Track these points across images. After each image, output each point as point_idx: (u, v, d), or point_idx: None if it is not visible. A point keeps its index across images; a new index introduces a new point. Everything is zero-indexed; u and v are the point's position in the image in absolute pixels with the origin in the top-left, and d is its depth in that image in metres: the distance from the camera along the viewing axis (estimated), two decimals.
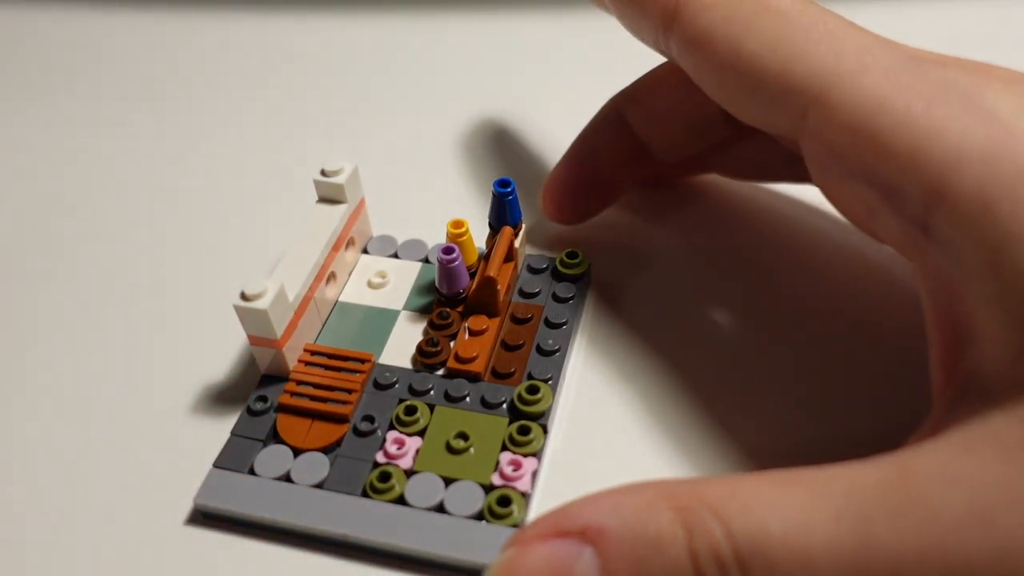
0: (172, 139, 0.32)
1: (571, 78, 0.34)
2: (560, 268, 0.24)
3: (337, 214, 0.23)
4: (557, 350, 0.22)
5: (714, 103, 0.20)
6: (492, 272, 0.22)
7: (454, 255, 0.22)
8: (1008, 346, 0.15)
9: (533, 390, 0.21)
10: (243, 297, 0.20)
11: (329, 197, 0.24)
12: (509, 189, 0.23)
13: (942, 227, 0.15)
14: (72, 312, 0.25)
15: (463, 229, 0.23)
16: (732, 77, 0.19)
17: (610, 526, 0.15)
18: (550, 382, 0.21)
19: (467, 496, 0.19)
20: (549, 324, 0.23)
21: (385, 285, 0.24)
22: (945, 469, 0.14)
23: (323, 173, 0.23)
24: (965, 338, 0.16)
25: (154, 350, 0.24)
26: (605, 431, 0.21)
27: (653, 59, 0.22)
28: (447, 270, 0.22)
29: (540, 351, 0.22)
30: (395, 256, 0.25)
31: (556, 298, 0.24)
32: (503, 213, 0.23)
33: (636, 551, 0.15)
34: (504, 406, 0.21)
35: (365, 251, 0.25)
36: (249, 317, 0.20)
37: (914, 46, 0.19)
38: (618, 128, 0.24)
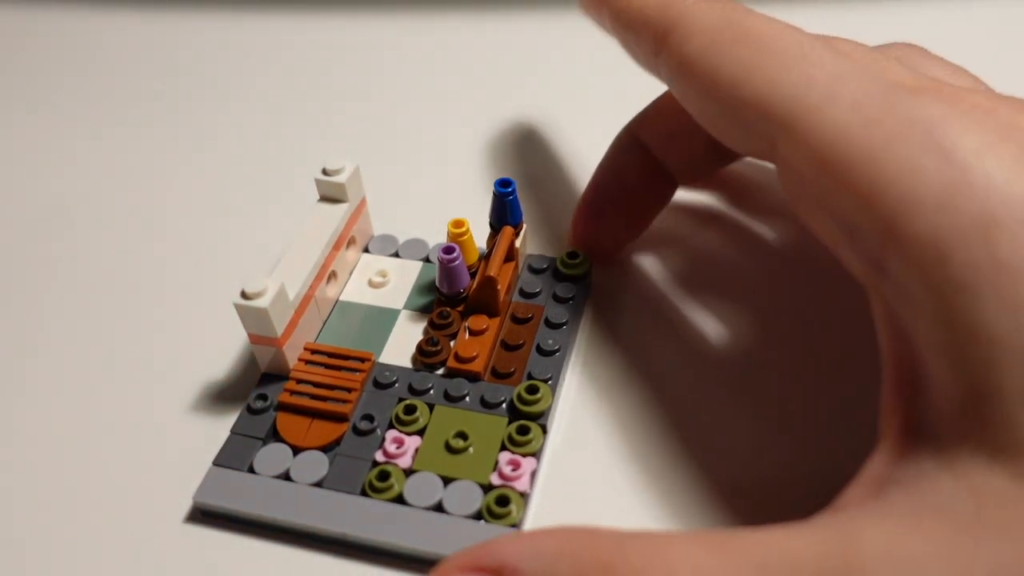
0: (173, 138, 0.33)
1: (575, 78, 0.35)
2: (561, 268, 0.24)
3: (338, 213, 0.23)
4: (557, 350, 0.22)
5: None
6: (492, 272, 0.22)
7: (454, 255, 0.22)
8: (956, 400, 0.14)
9: (533, 390, 0.21)
10: (243, 295, 0.20)
11: (330, 196, 0.24)
12: (510, 189, 0.23)
13: (895, 268, 0.15)
14: (73, 310, 0.25)
15: (464, 228, 0.23)
16: (711, 104, 0.19)
17: (525, 570, 0.15)
18: (550, 382, 0.21)
19: (466, 496, 0.19)
20: (549, 324, 0.23)
21: (386, 284, 0.24)
22: (892, 545, 0.13)
23: (324, 172, 0.24)
24: (916, 381, 0.15)
25: (155, 348, 0.24)
26: (604, 432, 0.21)
27: None
28: (447, 269, 0.22)
29: (540, 351, 0.22)
30: (396, 255, 0.25)
31: (556, 298, 0.24)
32: (504, 213, 0.23)
33: None
34: (503, 406, 0.21)
35: (366, 250, 0.25)
36: (249, 315, 0.20)
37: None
38: (637, 152, 0.24)
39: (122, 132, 0.33)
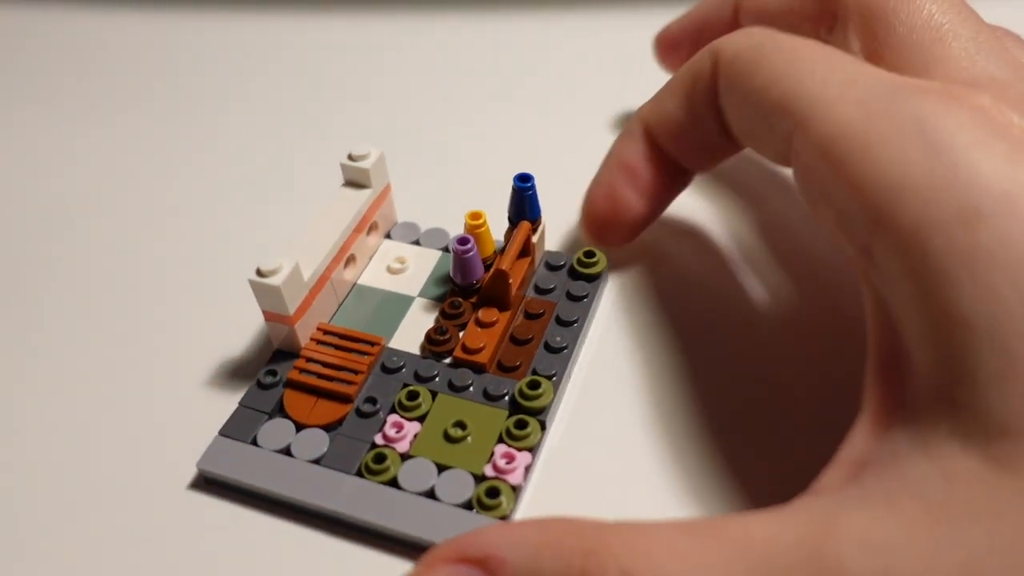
0: (204, 125, 0.33)
1: (604, 76, 0.34)
2: (577, 267, 0.24)
3: (361, 198, 0.24)
4: (564, 347, 0.22)
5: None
6: (505, 265, 0.22)
7: (469, 246, 0.22)
8: (933, 383, 0.15)
9: (534, 385, 0.21)
10: (258, 273, 0.21)
11: (354, 181, 0.24)
12: (529, 184, 0.23)
13: (881, 255, 0.16)
14: (98, 287, 0.26)
15: (481, 220, 0.23)
16: (747, 110, 0.20)
17: (510, 559, 0.15)
18: (553, 379, 0.22)
19: (458, 484, 0.20)
20: (560, 321, 0.23)
21: (404, 271, 0.25)
22: (867, 531, 0.14)
23: (350, 157, 0.24)
24: (897, 364, 0.16)
25: (175, 323, 0.25)
26: (606, 432, 0.21)
27: None
28: (461, 260, 0.23)
29: (547, 348, 0.22)
30: (417, 243, 0.26)
31: (570, 296, 0.24)
32: (522, 207, 0.23)
33: None
34: (506, 399, 0.21)
35: (389, 236, 0.26)
36: (263, 293, 0.21)
37: None
38: (647, 143, 0.24)
39: (154, 117, 0.34)
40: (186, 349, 0.24)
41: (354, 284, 0.24)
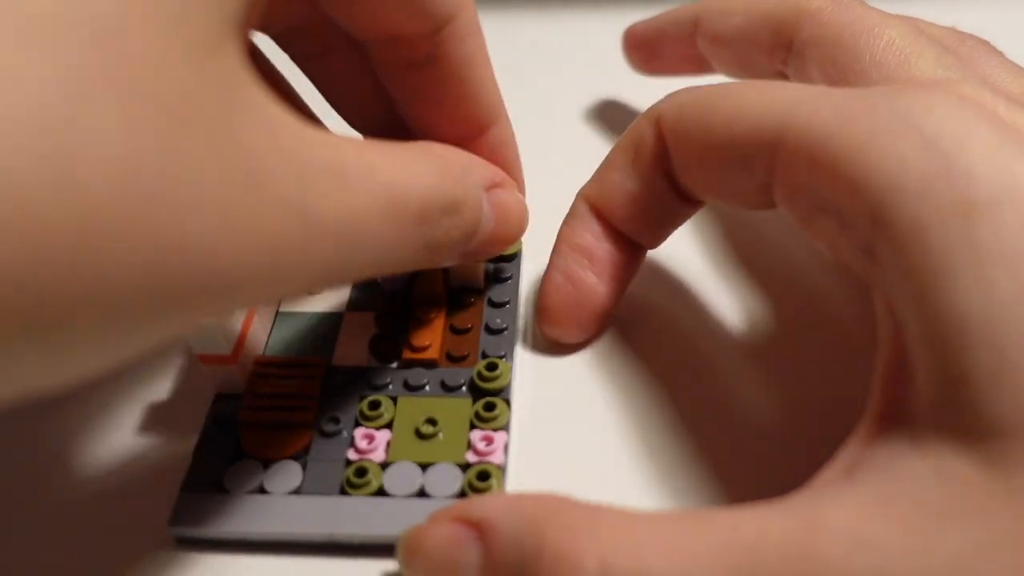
0: None
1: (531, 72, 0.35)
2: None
3: None
4: (505, 328, 0.23)
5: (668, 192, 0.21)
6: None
7: None
8: (932, 385, 0.15)
9: (492, 367, 0.21)
10: None
11: None
12: None
13: (883, 254, 0.16)
14: None
15: None
16: (711, 160, 0.19)
17: (500, 528, 0.16)
18: (504, 359, 0.22)
19: (446, 477, 0.20)
20: (493, 304, 0.23)
21: (318, 293, 0.24)
22: (856, 528, 0.14)
23: None
24: (901, 366, 0.16)
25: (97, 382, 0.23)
26: (563, 400, 0.22)
27: None
28: None
29: (489, 330, 0.23)
30: None
31: (497, 279, 0.24)
32: None
33: (514, 557, 0.15)
34: (464, 387, 0.22)
35: None
36: (198, 336, 0.20)
37: None
38: (598, 225, 0.23)
39: None
40: (116, 405, 0.22)
41: (276, 313, 0.24)
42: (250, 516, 0.19)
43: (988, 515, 0.13)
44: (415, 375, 0.22)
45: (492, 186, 0.21)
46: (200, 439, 0.21)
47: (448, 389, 0.22)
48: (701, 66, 0.27)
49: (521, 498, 0.17)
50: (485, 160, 0.21)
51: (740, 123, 0.18)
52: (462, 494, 0.19)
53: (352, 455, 0.20)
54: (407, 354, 0.22)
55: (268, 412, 0.21)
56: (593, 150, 0.25)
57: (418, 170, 0.17)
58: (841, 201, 0.16)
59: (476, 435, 0.20)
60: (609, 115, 0.32)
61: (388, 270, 0.19)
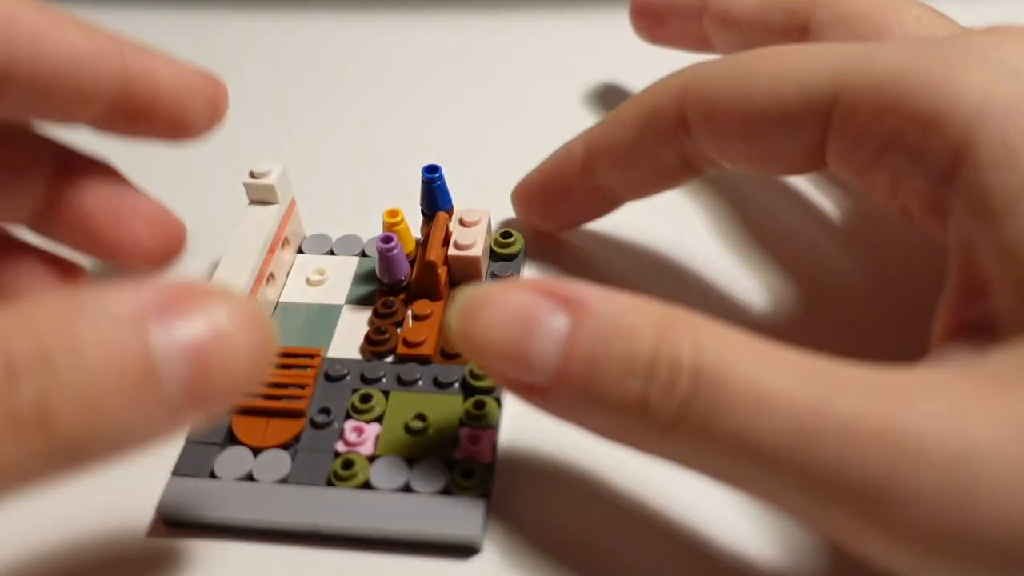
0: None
1: (489, 70, 0.35)
2: (495, 248, 0.25)
3: (270, 215, 0.24)
4: None
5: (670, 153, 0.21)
6: (431, 256, 0.23)
7: (392, 243, 0.23)
8: (1017, 289, 0.15)
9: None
10: (252, 175, 0.21)
11: (260, 199, 0.24)
12: (437, 175, 0.24)
13: (966, 179, 0.16)
14: None
15: (399, 218, 0.23)
16: (755, 126, 0.19)
17: (596, 306, 0.16)
18: None
19: (432, 473, 0.20)
20: None
21: (324, 282, 0.24)
22: (934, 378, 0.15)
23: (252, 175, 0.24)
24: (979, 288, 0.16)
25: None
26: None
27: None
28: (387, 259, 0.23)
29: None
30: (331, 253, 0.25)
31: (494, 277, 0.24)
32: (434, 199, 0.24)
33: (605, 333, 0.15)
34: (457, 384, 0.22)
35: (300, 251, 0.26)
36: None
37: None
38: (583, 172, 0.23)
39: None
40: None
41: (276, 303, 0.24)
42: (236, 502, 0.20)
43: None
44: (408, 370, 0.22)
45: (166, 308, 0.14)
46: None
47: (440, 386, 0.22)
48: (702, 44, 0.27)
49: (611, 292, 0.16)
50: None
51: (788, 85, 0.18)
52: (447, 490, 0.20)
53: (341, 447, 0.20)
54: (401, 349, 0.22)
55: (261, 399, 0.21)
56: None
57: None
58: (917, 136, 0.17)
59: (465, 432, 0.21)
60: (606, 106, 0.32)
61: None
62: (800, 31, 0.23)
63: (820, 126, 0.18)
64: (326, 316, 0.24)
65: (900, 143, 0.17)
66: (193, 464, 0.20)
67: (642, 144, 0.21)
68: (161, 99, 0.20)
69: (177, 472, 0.20)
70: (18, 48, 0.18)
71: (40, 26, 0.18)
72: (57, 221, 0.21)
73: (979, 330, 0.16)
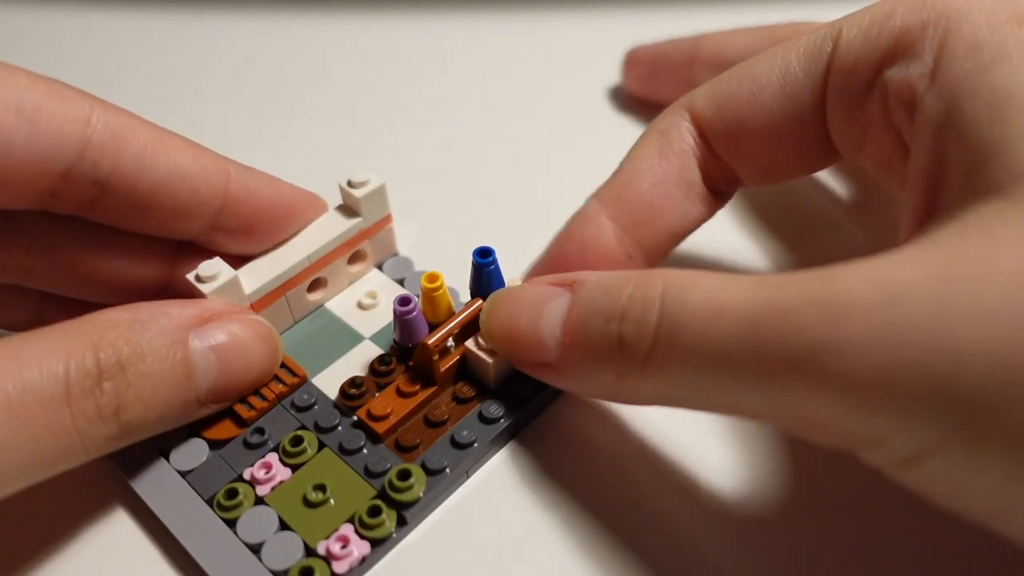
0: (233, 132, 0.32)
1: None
2: None
3: (344, 226, 0.23)
4: (472, 443, 0.20)
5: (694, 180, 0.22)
6: (433, 339, 0.21)
7: (411, 306, 0.21)
8: (965, 160, 0.16)
9: (404, 476, 0.19)
10: (197, 279, 0.21)
11: (347, 207, 0.24)
12: (489, 259, 0.21)
13: (941, 72, 0.17)
14: None
15: (437, 284, 0.22)
16: (765, 100, 0.21)
17: (589, 280, 0.18)
18: (442, 473, 0.20)
19: (285, 550, 0.19)
20: (483, 418, 0.21)
21: (374, 307, 0.24)
22: (872, 261, 0.15)
23: (349, 183, 0.23)
24: (939, 180, 0.17)
25: None
26: (483, 544, 0.19)
27: None
28: (403, 321, 0.21)
29: (453, 441, 0.20)
30: (401, 282, 0.25)
31: (511, 395, 0.21)
32: (481, 284, 0.22)
33: (592, 296, 0.18)
34: (381, 480, 0.20)
35: (380, 268, 0.25)
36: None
37: None
38: (604, 229, 0.21)
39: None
40: None
41: (319, 306, 0.24)
42: (144, 470, 0.20)
43: (1001, 222, 0.14)
44: (354, 438, 0.21)
45: (202, 323, 0.20)
46: None
47: (368, 472, 0.20)
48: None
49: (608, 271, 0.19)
50: (192, 300, 0.20)
51: (793, 53, 0.20)
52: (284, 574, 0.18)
53: (247, 474, 0.20)
54: (361, 413, 0.21)
55: None
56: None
57: (54, 346, 0.17)
58: (907, 46, 0.18)
59: (343, 531, 0.19)
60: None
61: (61, 460, 0.17)
62: None
63: (821, 79, 0.20)
64: (342, 341, 0.23)
65: (893, 57, 0.18)
66: None
67: (663, 186, 0.21)
68: (260, 219, 0.22)
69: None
70: (124, 160, 0.20)
71: (149, 142, 0.20)
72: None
73: (931, 221, 0.16)
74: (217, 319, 0.20)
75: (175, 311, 0.19)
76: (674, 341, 0.16)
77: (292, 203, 0.22)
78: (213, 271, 0.21)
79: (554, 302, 0.19)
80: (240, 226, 0.22)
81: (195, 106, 0.33)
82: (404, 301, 0.21)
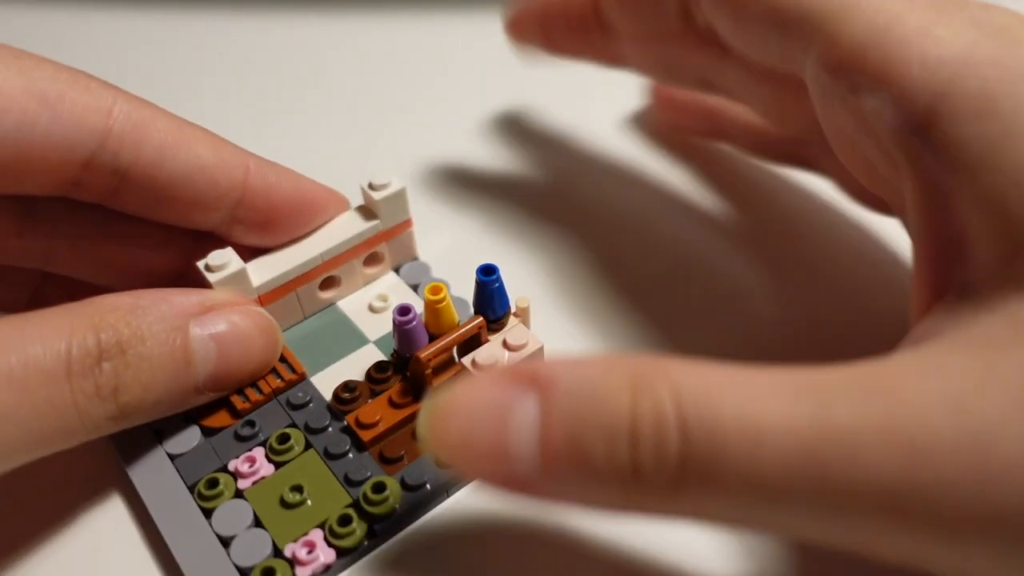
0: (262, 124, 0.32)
1: None
2: None
3: (360, 226, 0.23)
4: None
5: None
6: (426, 353, 0.20)
7: (409, 316, 0.21)
8: (996, 244, 0.15)
9: (379, 488, 0.19)
10: (207, 268, 0.21)
11: (367, 208, 0.24)
12: (493, 277, 0.21)
13: (941, 129, 0.16)
14: None
15: (441, 295, 0.21)
16: (753, 19, 0.20)
17: (562, 378, 0.15)
18: (422, 489, 0.20)
19: (253, 548, 0.19)
20: None
21: (384, 310, 0.24)
22: (924, 361, 0.14)
23: (370, 185, 0.23)
24: (954, 249, 0.16)
25: None
26: (459, 567, 0.19)
27: None
28: (401, 331, 0.21)
29: (438, 460, 0.20)
30: (415, 288, 0.24)
31: None
32: (483, 302, 0.21)
33: (578, 405, 0.15)
34: (359, 489, 0.20)
35: (397, 271, 0.25)
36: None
37: None
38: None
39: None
40: None
41: (330, 304, 0.24)
42: (138, 449, 0.21)
43: None
44: (340, 443, 0.21)
45: (203, 311, 0.20)
46: None
47: (348, 480, 0.20)
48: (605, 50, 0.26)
49: (577, 357, 0.16)
50: (197, 289, 0.20)
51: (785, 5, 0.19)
52: (245, 573, 0.18)
53: (231, 466, 0.20)
54: (350, 419, 0.21)
55: None
56: None
57: (57, 324, 0.17)
58: (897, 80, 0.17)
59: (312, 536, 0.19)
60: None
61: (59, 436, 0.18)
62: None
63: (806, 39, 0.18)
64: (348, 342, 0.23)
65: (878, 83, 0.17)
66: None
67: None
68: (279, 213, 0.22)
69: None
70: (145, 151, 0.20)
71: (170, 134, 0.20)
72: None
73: (959, 294, 0.16)
74: (219, 309, 0.20)
75: (177, 299, 0.20)
76: (708, 473, 0.14)
77: (312, 199, 0.23)
78: (222, 260, 0.21)
79: (519, 411, 0.15)
80: (258, 219, 0.22)
81: (196, 106, 0.33)
82: (403, 311, 0.21)
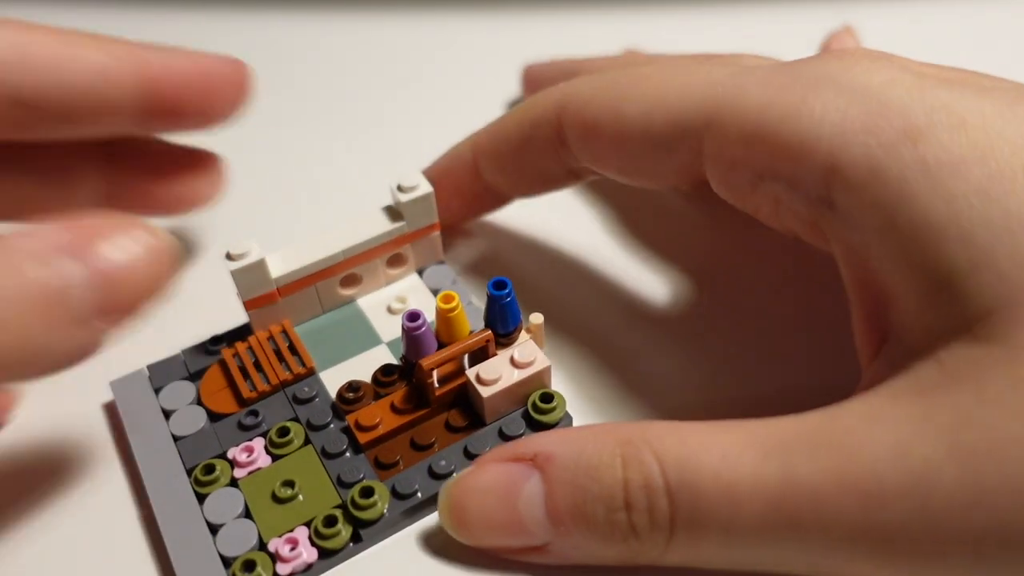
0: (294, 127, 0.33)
1: None
2: (532, 411, 0.21)
3: (384, 226, 0.23)
4: (450, 473, 0.20)
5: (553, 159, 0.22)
6: (430, 361, 0.20)
7: (419, 322, 0.21)
8: (916, 297, 0.16)
9: (367, 493, 0.19)
10: (228, 256, 0.21)
11: (394, 208, 0.23)
12: (505, 292, 0.20)
13: (841, 200, 0.17)
14: None
15: (453, 304, 0.21)
16: (627, 147, 0.20)
17: (557, 454, 0.17)
18: (411, 498, 0.19)
19: (239, 538, 0.19)
20: (467, 453, 0.20)
21: (401, 312, 0.23)
22: (869, 411, 0.16)
23: (399, 187, 0.23)
24: (882, 302, 0.17)
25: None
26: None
27: None
28: (409, 337, 0.21)
29: (431, 470, 0.20)
30: (435, 292, 0.24)
31: (501, 434, 0.21)
32: (494, 317, 0.21)
33: (577, 479, 0.17)
34: (350, 491, 0.20)
35: (420, 273, 0.25)
36: (245, 285, 0.22)
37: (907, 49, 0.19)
38: (472, 173, 0.24)
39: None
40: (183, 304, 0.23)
41: (349, 301, 0.24)
42: (140, 422, 0.21)
43: (984, 376, 0.15)
44: (338, 442, 0.20)
45: (83, 239, 0.17)
46: (194, 346, 0.23)
47: (341, 480, 0.20)
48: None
49: (569, 429, 0.19)
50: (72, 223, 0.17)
51: (659, 112, 0.19)
52: (228, 564, 0.19)
53: (230, 453, 0.21)
54: (350, 420, 0.21)
55: (236, 367, 0.22)
56: None
57: None
58: (787, 165, 0.17)
59: (298, 533, 0.19)
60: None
61: None
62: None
63: (693, 150, 0.19)
64: (361, 340, 0.23)
65: (773, 172, 0.18)
66: (163, 372, 0.22)
67: (525, 155, 0.23)
68: (186, 92, 0.22)
69: (152, 366, 0.22)
70: (35, 71, 0.20)
71: (54, 46, 0.20)
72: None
73: (895, 343, 0.17)
74: (97, 234, 0.17)
75: (39, 232, 0.17)
76: (695, 529, 0.16)
77: (212, 69, 0.22)
78: (243, 249, 0.21)
79: (525, 487, 0.17)
80: (169, 106, 0.22)
81: None
82: (412, 316, 0.21)
